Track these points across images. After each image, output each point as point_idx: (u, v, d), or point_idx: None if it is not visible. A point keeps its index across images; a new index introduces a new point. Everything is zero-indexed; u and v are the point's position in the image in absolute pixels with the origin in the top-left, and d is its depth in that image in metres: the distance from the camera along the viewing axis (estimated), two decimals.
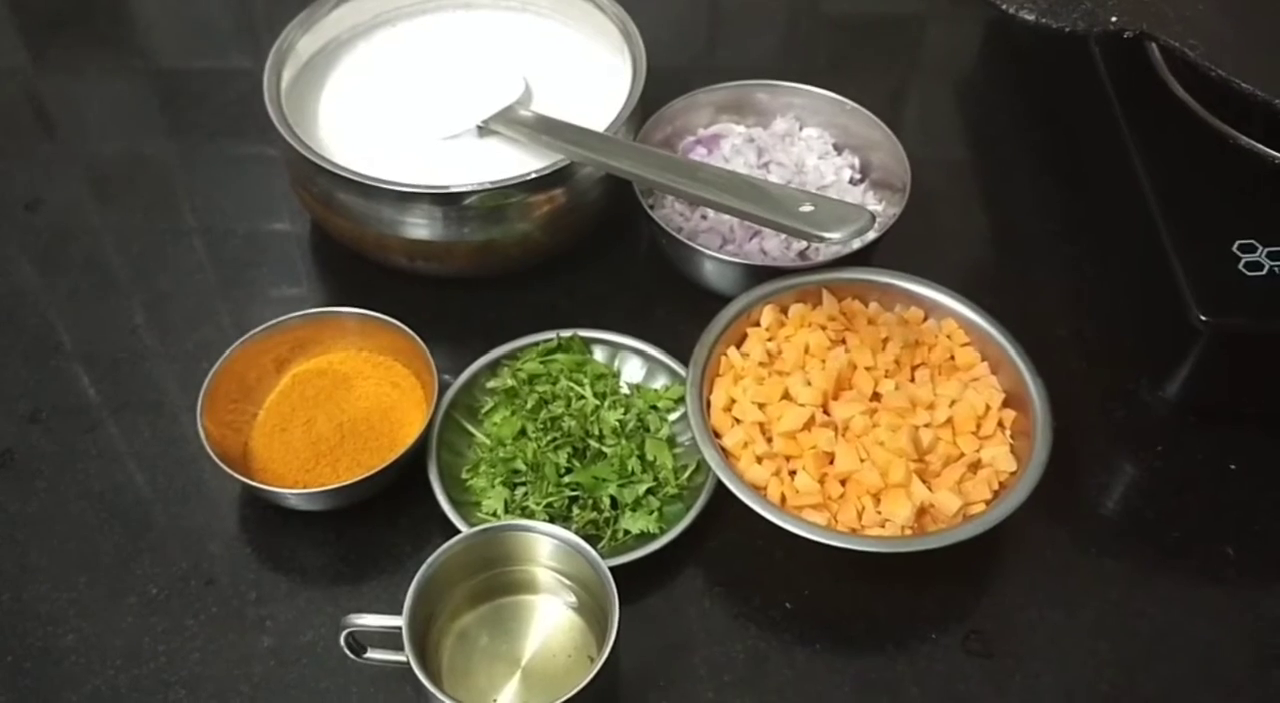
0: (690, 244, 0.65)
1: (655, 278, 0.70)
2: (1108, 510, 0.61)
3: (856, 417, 0.57)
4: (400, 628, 0.49)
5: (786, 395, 0.59)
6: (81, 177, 0.78)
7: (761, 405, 0.59)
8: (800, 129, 0.74)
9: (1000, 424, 0.59)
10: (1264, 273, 0.59)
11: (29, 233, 0.74)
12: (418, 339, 0.62)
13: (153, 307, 0.70)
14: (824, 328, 0.62)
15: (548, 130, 0.67)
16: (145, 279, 0.72)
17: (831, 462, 0.57)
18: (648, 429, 0.61)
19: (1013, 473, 0.56)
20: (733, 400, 0.59)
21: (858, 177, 0.72)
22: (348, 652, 0.52)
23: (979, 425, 0.58)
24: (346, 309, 0.64)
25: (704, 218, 0.69)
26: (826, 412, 0.59)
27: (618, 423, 0.60)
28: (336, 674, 0.55)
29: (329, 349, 0.64)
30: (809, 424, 0.58)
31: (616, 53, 0.72)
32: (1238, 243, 0.60)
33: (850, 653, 0.56)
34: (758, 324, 0.62)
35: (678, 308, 0.68)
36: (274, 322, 0.63)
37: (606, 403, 0.61)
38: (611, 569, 0.51)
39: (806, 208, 0.58)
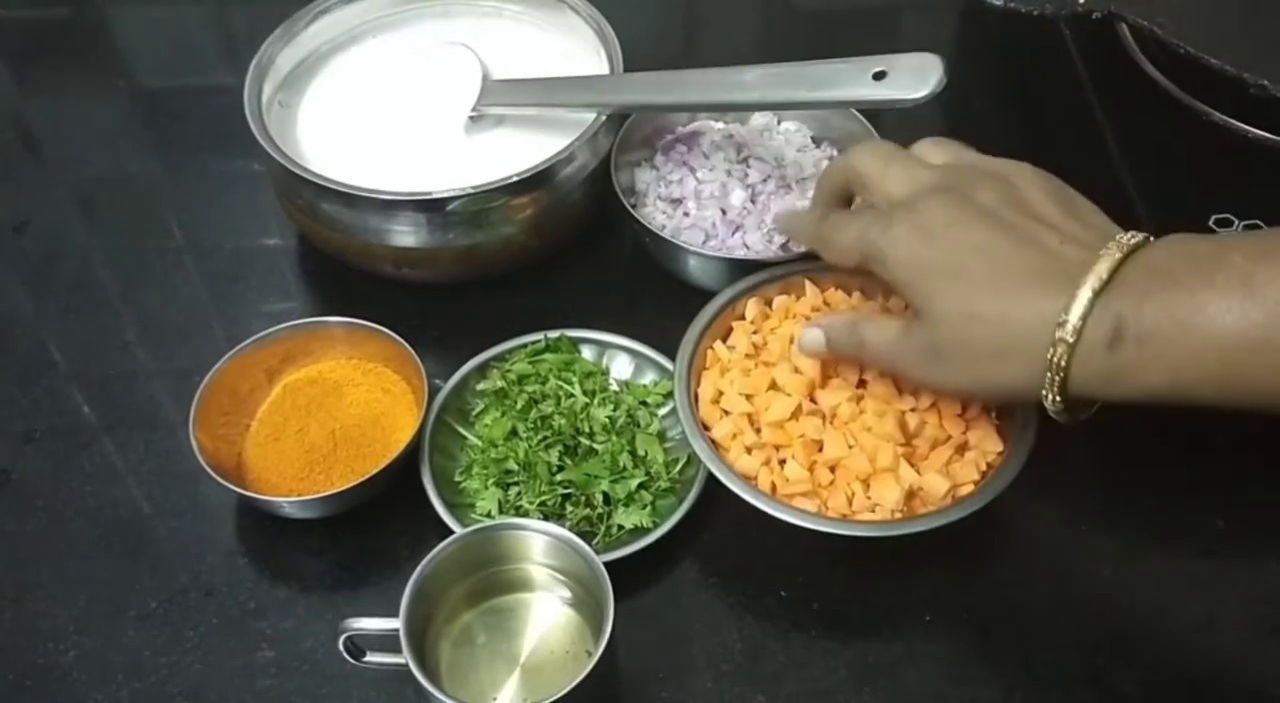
0: (673, 241, 0.66)
1: (640, 276, 0.71)
2: (1096, 488, 0.62)
3: (843, 404, 0.58)
4: (398, 630, 0.50)
5: (774, 386, 0.59)
6: (68, 197, 0.79)
7: (749, 397, 0.59)
8: (778, 123, 0.74)
9: (985, 408, 0.59)
10: None
11: (18, 255, 0.75)
12: (406, 345, 0.62)
13: (143, 323, 0.71)
14: (808, 318, 0.62)
15: (547, 91, 0.69)
16: (135, 297, 0.72)
17: (820, 450, 0.57)
18: (638, 425, 0.62)
19: (1000, 453, 0.57)
20: (720, 393, 0.60)
21: None
22: (347, 656, 0.53)
23: (964, 409, 0.59)
24: (335, 318, 0.64)
25: (686, 214, 0.70)
26: (813, 401, 0.59)
27: (608, 420, 0.61)
28: (337, 680, 0.55)
29: (319, 359, 0.65)
30: (796, 414, 0.58)
31: (594, 54, 0.73)
32: (1214, 218, 0.61)
33: (846, 637, 0.56)
34: (743, 317, 0.63)
35: (663, 305, 0.68)
36: (263, 333, 0.63)
37: (596, 401, 0.62)
38: (606, 564, 0.51)
39: (879, 69, 0.56)
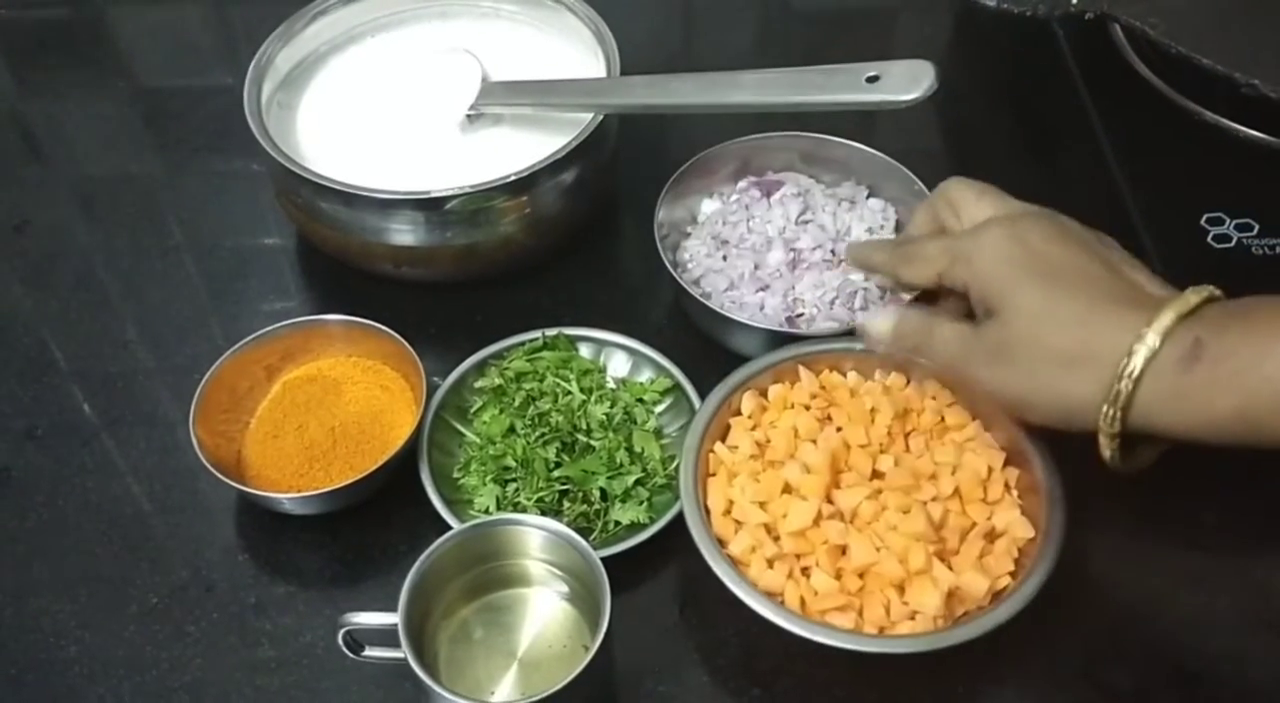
0: (686, 286, 0.64)
1: (638, 274, 0.71)
2: (1087, 484, 0.62)
3: (863, 504, 0.54)
4: (397, 625, 0.50)
5: (787, 489, 0.56)
6: (68, 197, 0.79)
7: (762, 504, 0.55)
8: (867, 196, 0.70)
9: (1006, 486, 0.56)
10: (1232, 244, 0.60)
11: (18, 254, 0.75)
12: (405, 343, 0.63)
13: (143, 322, 0.71)
14: (807, 407, 0.59)
15: (544, 93, 0.69)
16: (135, 295, 0.73)
17: (844, 553, 0.54)
18: (635, 422, 0.62)
19: (1031, 539, 0.54)
20: (731, 503, 0.56)
21: None
22: (346, 651, 0.53)
23: (985, 491, 0.56)
24: (334, 316, 0.65)
25: (725, 257, 0.67)
26: (830, 501, 0.55)
27: (605, 417, 0.61)
28: (336, 674, 0.56)
29: (318, 356, 0.65)
30: (817, 519, 0.54)
31: (591, 55, 0.73)
32: (1206, 216, 0.61)
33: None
34: (739, 413, 0.59)
35: (661, 303, 0.69)
36: (263, 331, 0.63)
37: (593, 398, 0.62)
38: (603, 559, 0.52)
39: (873, 73, 0.58)
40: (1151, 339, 0.46)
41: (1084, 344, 0.48)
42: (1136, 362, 0.46)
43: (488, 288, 0.70)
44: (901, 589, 0.53)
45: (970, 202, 0.55)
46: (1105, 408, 0.48)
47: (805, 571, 0.54)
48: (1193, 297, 0.48)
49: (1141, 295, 0.49)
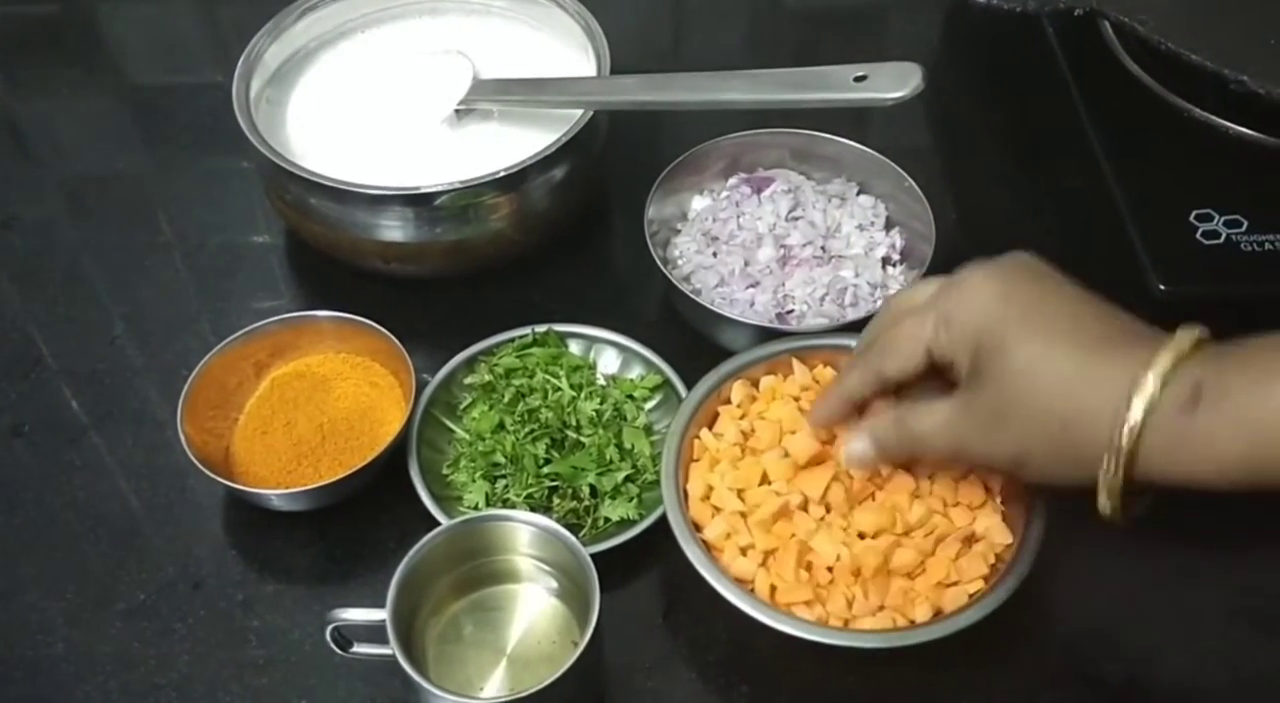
0: (675, 281, 0.64)
1: (628, 271, 0.71)
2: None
3: (840, 498, 0.55)
4: (385, 621, 0.50)
5: (765, 480, 0.56)
6: (57, 193, 0.79)
7: (740, 492, 0.56)
8: (857, 193, 0.70)
9: (989, 490, 0.56)
10: (1220, 240, 0.60)
11: (6, 250, 0.75)
12: (394, 340, 0.63)
13: (132, 318, 0.71)
14: (797, 399, 0.59)
15: (534, 90, 0.69)
16: (123, 292, 0.72)
17: (812, 548, 0.54)
18: (625, 418, 0.62)
19: (1009, 546, 0.54)
20: (710, 488, 0.56)
21: (897, 258, 0.68)
22: (334, 647, 0.53)
23: (967, 494, 0.56)
24: (323, 312, 0.64)
25: (714, 254, 0.67)
26: (805, 494, 0.55)
27: (594, 413, 0.61)
28: (324, 671, 0.55)
29: (307, 353, 0.65)
30: (785, 513, 0.55)
31: (581, 52, 0.73)
32: (1194, 212, 0.61)
33: None
34: (728, 401, 0.60)
35: (651, 299, 0.69)
36: (251, 327, 0.63)
37: (583, 394, 0.62)
38: (593, 556, 0.51)
39: (861, 73, 0.58)
40: (1150, 387, 0.44)
41: (1081, 398, 0.45)
42: (1136, 413, 0.44)
43: (477, 284, 0.70)
44: (868, 585, 0.53)
45: (941, 280, 0.51)
46: (1106, 461, 0.45)
47: (775, 560, 0.54)
48: (1185, 338, 0.45)
49: (1134, 336, 0.46)
